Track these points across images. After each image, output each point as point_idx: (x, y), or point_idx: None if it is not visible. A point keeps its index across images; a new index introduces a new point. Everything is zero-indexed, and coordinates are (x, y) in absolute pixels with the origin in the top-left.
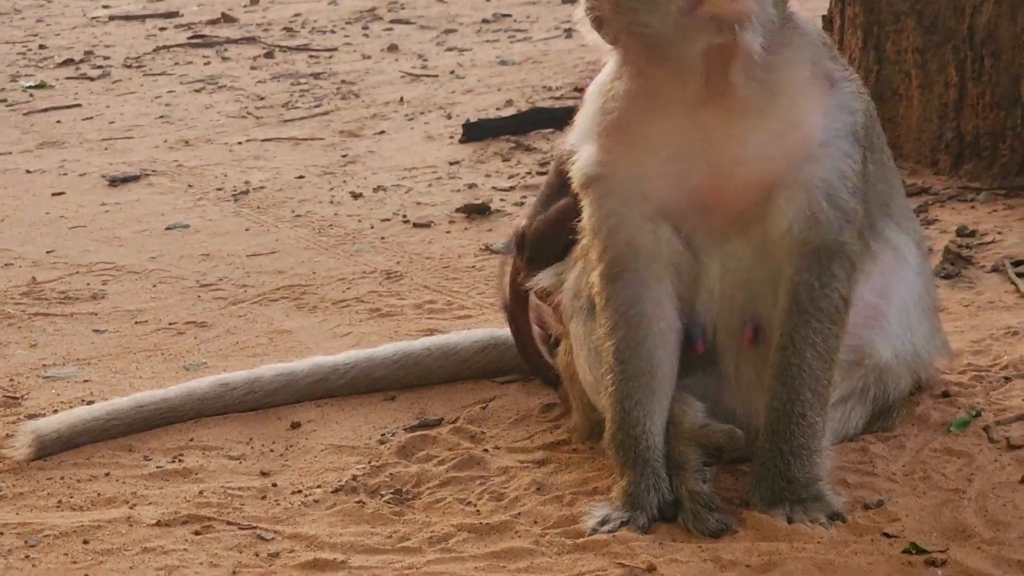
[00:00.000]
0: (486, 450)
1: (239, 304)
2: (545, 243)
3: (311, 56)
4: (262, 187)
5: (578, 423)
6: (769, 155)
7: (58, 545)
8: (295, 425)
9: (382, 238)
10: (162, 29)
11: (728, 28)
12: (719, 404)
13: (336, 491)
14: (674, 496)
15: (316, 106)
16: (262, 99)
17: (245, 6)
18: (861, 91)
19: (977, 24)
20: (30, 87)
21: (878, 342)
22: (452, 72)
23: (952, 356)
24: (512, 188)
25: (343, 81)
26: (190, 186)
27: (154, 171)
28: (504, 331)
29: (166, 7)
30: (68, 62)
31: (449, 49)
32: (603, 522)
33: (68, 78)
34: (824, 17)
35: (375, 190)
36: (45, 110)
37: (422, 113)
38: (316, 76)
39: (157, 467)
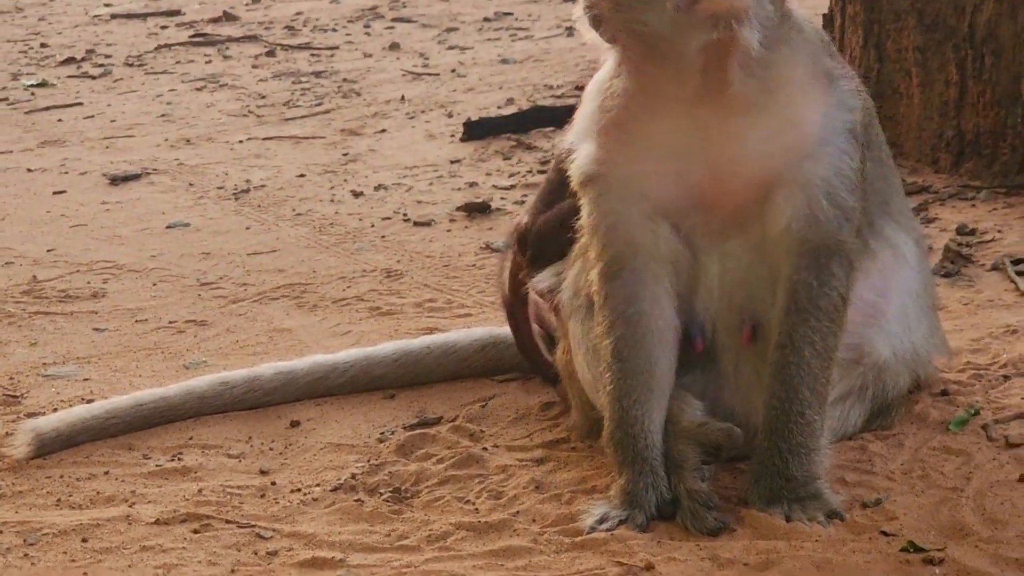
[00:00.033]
0: (485, 448)
1: (239, 303)
2: (547, 242)
3: (312, 54)
4: (263, 185)
5: (577, 421)
6: (767, 153)
7: (57, 543)
8: (294, 423)
9: (383, 236)
10: (164, 27)
11: (725, 25)
12: (718, 402)
13: (335, 489)
14: (672, 494)
15: (317, 104)
16: (263, 97)
17: (247, 4)
18: (859, 89)
19: (978, 22)
20: (31, 85)
21: (877, 340)
22: (453, 70)
23: (951, 354)
24: (513, 187)
25: (344, 79)
26: (191, 185)
27: (155, 170)
28: (504, 329)
29: (168, 5)
30: (69, 60)
31: (450, 47)
32: (601, 520)
33: (69, 76)
34: (825, 15)
35: (376, 188)
36: (46, 108)
37: (423, 111)
38: (317, 74)
39: (156, 466)
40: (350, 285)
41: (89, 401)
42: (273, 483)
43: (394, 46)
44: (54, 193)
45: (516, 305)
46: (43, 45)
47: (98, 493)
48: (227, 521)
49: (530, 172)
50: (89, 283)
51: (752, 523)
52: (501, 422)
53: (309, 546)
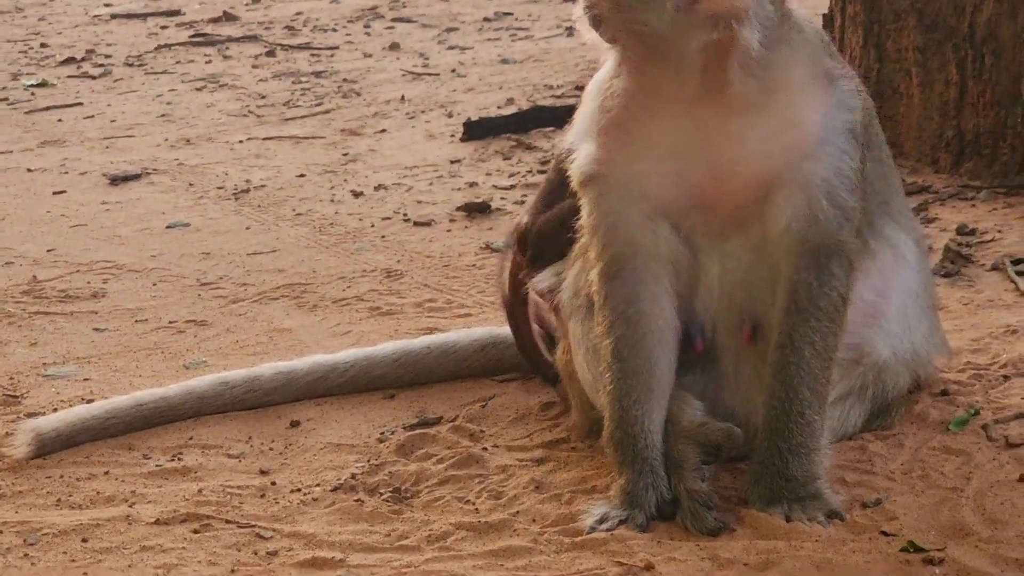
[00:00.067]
0: (485, 448)
1: (239, 303)
2: (547, 242)
3: (312, 54)
4: (263, 185)
5: (577, 421)
6: (767, 153)
7: (57, 543)
8: (294, 423)
9: (383, 236)
10: (164, 27)
11: (725, 25)
12: (718, 402)
13: (335, 489)
14: (672, 494)
15: (317, 104)
16: (263, 97)
17: (247, 4)
18: (859, 89)
19: (978, 22)
20: (31, 85)
21: (877, 340)
22: (453, 70)
23: (951, 354)
24: (513, 187)
25: (344, 79)
26: (191, 185)
27: (155, 170)
28: (504, 329)
29: (168, 5)
30: (69, 60)
31: (450, 47)
32: (601, 520)
33: (69, 76)
34: (825, 15)
35: (376, 188)
36: (46, 108)
37: (423, 111)
38: (317, 74)
39: (156, 465)
40: (350, 285)
41: (89, 401)
42: (273, 483)
43: (394, 46)
44: (54, 193)
45: (516, 305)
46: (43, 45)
47: (98, 493)
48: (227, 521)
49: (530, 172)
50: (89, 283)
51: (752, 523)
52: (501, 422)
53: (309, 546)
